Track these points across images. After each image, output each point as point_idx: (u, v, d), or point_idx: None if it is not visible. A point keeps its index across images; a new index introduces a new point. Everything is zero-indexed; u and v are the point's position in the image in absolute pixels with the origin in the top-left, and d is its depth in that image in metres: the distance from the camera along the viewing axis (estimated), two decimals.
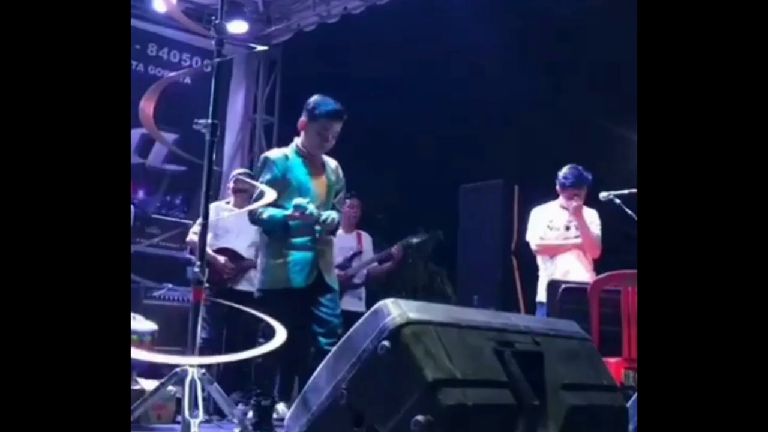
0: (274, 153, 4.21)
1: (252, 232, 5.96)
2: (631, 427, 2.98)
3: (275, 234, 4.03)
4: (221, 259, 5.73)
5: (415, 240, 6.12)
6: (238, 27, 8.34)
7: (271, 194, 3.66)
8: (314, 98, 4.13)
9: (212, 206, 5.94)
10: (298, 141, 4.21)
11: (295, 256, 3.99)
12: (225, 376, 6.00)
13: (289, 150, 4.21)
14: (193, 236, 5.80)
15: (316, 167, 4.21)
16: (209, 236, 5.77)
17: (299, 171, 4.14)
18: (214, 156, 2.79)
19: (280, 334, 3.15)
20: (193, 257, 5.95)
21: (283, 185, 4.05)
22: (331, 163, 4.31)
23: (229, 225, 5.86)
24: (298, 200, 3.96)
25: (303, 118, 4.15)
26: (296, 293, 3.98)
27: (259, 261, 4.12)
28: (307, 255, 4.01)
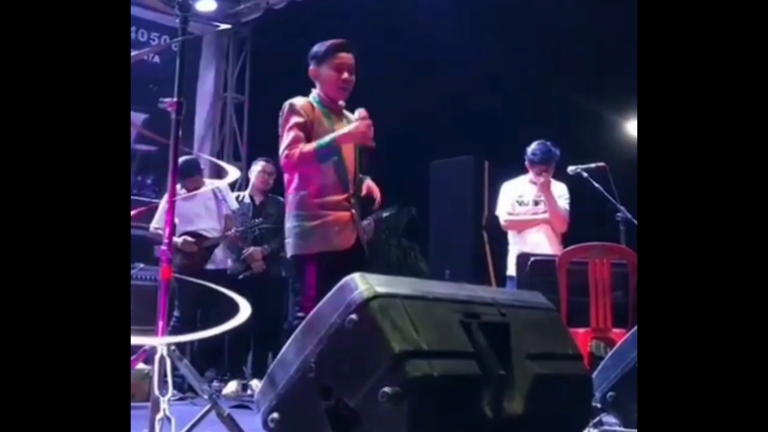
0: (298, 99, 3.70)
1: (215, 215, 6.00)
2: (597, 395, 3.05)
3: (307, 191, 3.62)
4: (179, 240, 5.71)
5: (385, 214, 6.13)
6: (206, 5, 8.29)
7: (234, 172, 3.52)
8: (315, 46, 3.77)
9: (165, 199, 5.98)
10: (315, 92, 3.77)
11: (330, 216, 3.62)
12: (199, 354, 6.03)
13: (311, 99, 3.74)
14: (153, 229, 5.83)
15: (340, 119, 3.75)
16: (177, 221, 5.82)
17: (327, 122, 3.69)
18: (180, 134, 2.79)
19: (244, 311, 3.09)
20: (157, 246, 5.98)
21: (311, 135, 3.63)
22: (352, 116, 3.81)
23: (194, 209, 5.88)
24: (360, 110, 3.57)
25: (312, 67, 3.76)
26: (336, 256, 3.59)
27: (288, 226, 3.68)
28: (344, 215, 3.65)
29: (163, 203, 5.79)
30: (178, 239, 5.72)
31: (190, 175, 5.79)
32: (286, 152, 3.57)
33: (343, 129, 3.60)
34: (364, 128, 3.59)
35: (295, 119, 3.61)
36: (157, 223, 5.81)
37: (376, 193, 3.78)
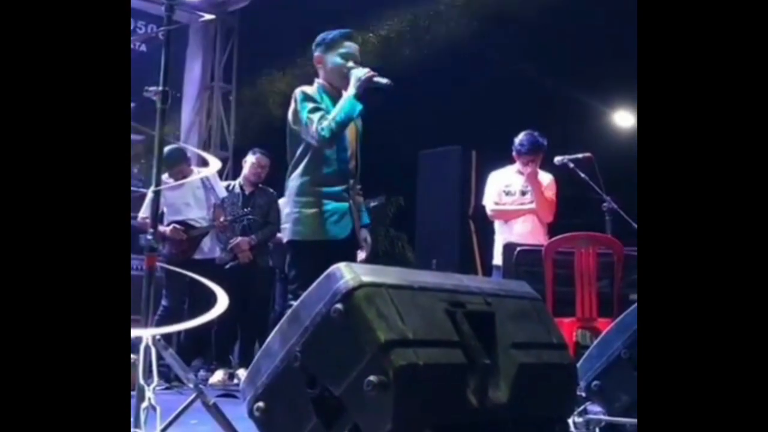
0: (307, 88, 3.73)
1: (204, 205, 5.98)
2: (582, 384, 3.07)
3: (309, 179, 3.66)
4: (167, 229, 5.68)
5: (372, 203, 6.15)
6: None
7: (215, 163, 3.53)
8: (320, 35, 3.79)
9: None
10: (318, 82, 3.80)
11: (329, 205, 3.65)
12: (186, 343, 6.02)
13: (316, 89, 3.76)
14: (140, 219, 5.78)
15: None
16: (165, 211, 5.81)
17: (329, 112, 3.66)
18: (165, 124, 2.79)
19: (222, 302, 3.08)
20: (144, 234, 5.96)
21: None
22: None
23: (183, 199, 5.85)
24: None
25: (318, 54, 3.78)
26: (332, 245, 3.61)
27: (287, 212, 3.71)
28: (342, 205, 3.68)
29: (150, 192, 5.77)
30: (166, 227, 5.71)
31: (176, 165, 5.77)
32: (321, 126, 3.55)
33: (349, 89, 3.61)
34: (366, 73, 3.61)
35: (310, 104, 3.63)
36: (144, 212, 5.78)
37: (365, 249, 3.87)
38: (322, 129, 3.55)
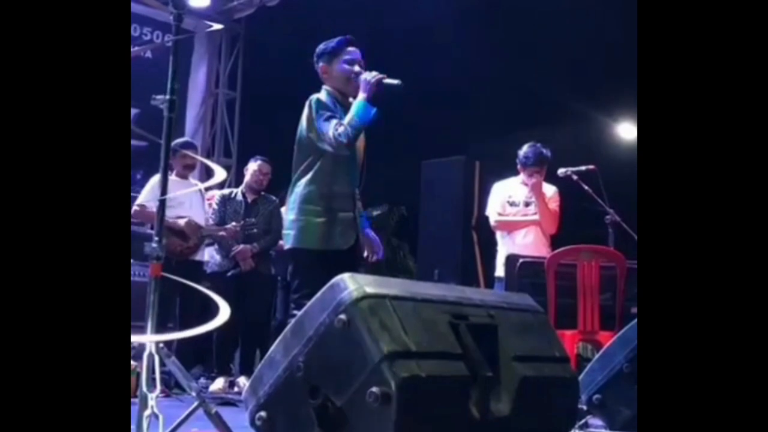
0: (320, 95, 3.73)
1: (200, 209, 5.95)
2: (583, 397, 3.07)
3: (318, 187, 3.65)
4: (182, 221, 5.57)
5: (375, 212, 6.15)
6: (200, 1, 8.29)
7: (221, 173, 3.52)
8: (320, 46, 3.82)
9: (155, 178, 5.84)
10: (327, 89, 3.79)
11: (336, 215, 3.65)
12: (185, 350, 5.98)
13: (327, 97, 3.74)
14: (137, 207, 5.70)
15: None
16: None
17: (343, 119, 3.65)
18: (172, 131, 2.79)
19: (224, 312, 3.05)
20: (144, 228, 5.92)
21: None
22: None
23: (180, 197, 5.75)
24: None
25: (322, 64, 3.79)
26: (336, 256, 3.62)
27: (291, 218, 3.69)
28: (348, 215, 3.69)
29: (152, 181, 5.73)
30: (177, 219, 5.60)
31: (184, 148, 5.69)
32: (338, 132, 3.55)
33: (360, 94, 3.62)
34: (375, 76, 3.63)
35: (326, 113, 3.63)
36: (142, 199, 5.70)
37: (376, 249, 3.89)
38: (339, 135, 3.55)
